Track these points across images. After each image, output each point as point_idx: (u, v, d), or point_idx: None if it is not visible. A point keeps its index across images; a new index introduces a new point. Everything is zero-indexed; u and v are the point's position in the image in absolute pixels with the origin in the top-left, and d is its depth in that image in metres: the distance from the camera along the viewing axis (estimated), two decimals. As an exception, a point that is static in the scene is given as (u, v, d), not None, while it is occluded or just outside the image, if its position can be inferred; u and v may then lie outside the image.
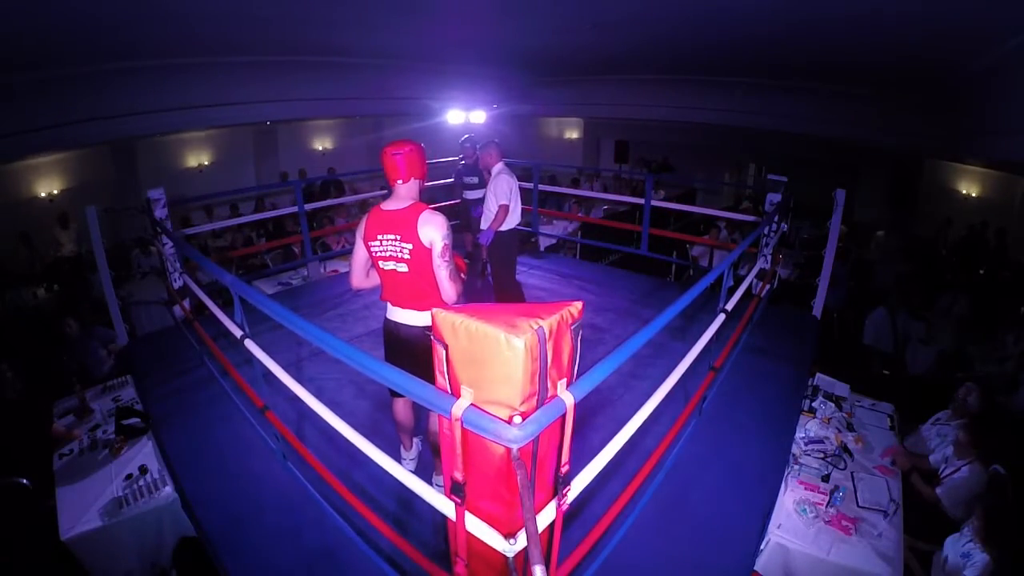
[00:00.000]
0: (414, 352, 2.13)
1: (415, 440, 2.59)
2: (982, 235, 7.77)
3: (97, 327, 4.47)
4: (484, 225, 3.89)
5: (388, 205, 2.09)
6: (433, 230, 1.99)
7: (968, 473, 2.83)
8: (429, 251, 2.00)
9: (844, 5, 3.90)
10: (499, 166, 3.86)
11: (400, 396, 2.37)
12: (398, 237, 2.02)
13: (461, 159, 4.86)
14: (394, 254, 2.05)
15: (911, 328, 5.14)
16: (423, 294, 2.09)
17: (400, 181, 2.08)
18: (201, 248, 6.91)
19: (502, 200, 3.75)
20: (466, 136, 4.81)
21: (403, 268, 2.06)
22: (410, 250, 2.01)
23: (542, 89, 9.86)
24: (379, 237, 2.07)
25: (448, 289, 2.06)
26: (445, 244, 2.01)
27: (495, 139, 3.95)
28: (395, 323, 2.21)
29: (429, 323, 1.80)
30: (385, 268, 2.11)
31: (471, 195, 4.71)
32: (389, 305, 2.21)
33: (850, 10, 3.97)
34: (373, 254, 2.11)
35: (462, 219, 4.90)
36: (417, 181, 2.12)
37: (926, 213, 8.83)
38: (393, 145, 2.08)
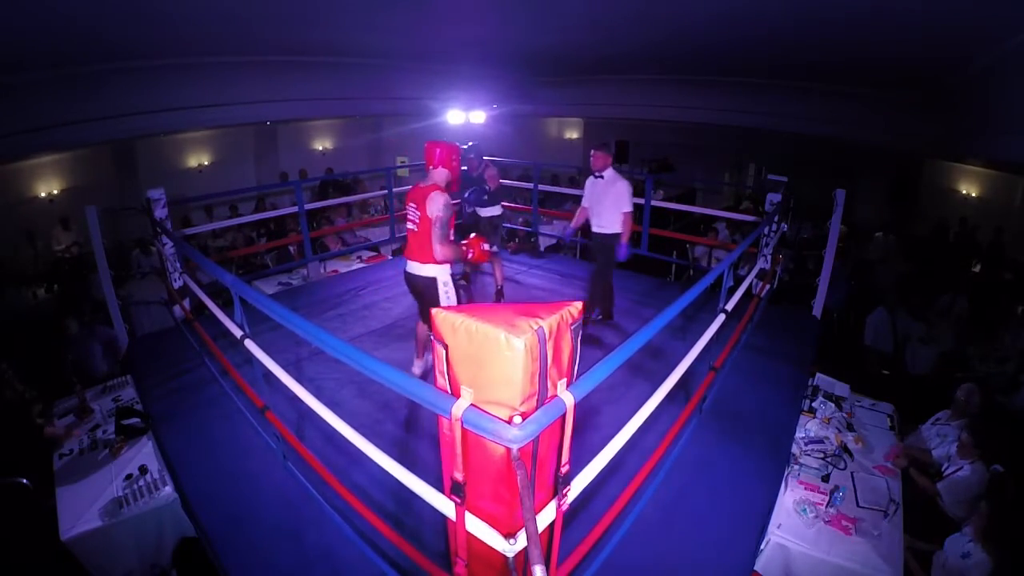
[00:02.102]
0: (419, 291, 2.94)
1: (427, 355, 3.19)
2: (971, 234, 7.77)
3: (98, 326, 4.46)
4: (597, 228, 3.84)
5: (421, 182, 2.82)
6: (434, 205, 2.68)
7: (970, 472, 2.83)
8: (430, 220, 2.68)
9: (844, 6, 3.90)
10: (612, 170, 3.79)
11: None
12: (415, 205, 2.77)
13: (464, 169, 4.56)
14: (411, 217, 2.80)
15: (911, 328, 5.14)
16: (423, 250, 2.80)
17: (431, 167, 2.82)
18: (201, 248, 6.91)
19: (628, 207, 3.69)
20: (470, 144, 4.41)
21: (414, 228, 2.80)
22: (419, 216, 2.74)
23: (542, 89, 9.86)
24: (408, 204, 2.84)
25: (436, 248, 2.73)
26: (438, 216, 2.67)
27: (604, 142, 3.91)
28: (407, 272, 2.94)
29: (427, 272, 2.84)
30: (407, 227, 2.86)
31: (485, 212, 4.46)
32: (406, 259, 2.93)
33: (850, 11, 3.98)
34: (405, 215, 2.89)
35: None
36: (445, 171, 2.82)
37: (926, 213, 8.83)
38: (433, 140, 2.84)
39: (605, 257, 3.92)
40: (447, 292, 2.85)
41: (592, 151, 3.78)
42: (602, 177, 3.78)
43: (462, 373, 1.31)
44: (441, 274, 2.83)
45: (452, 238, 2.80)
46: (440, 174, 2.80)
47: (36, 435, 3.04)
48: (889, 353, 5.21)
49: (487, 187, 4.38)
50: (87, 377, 3.94)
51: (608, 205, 3.75)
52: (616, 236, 3.77)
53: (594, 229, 3.89)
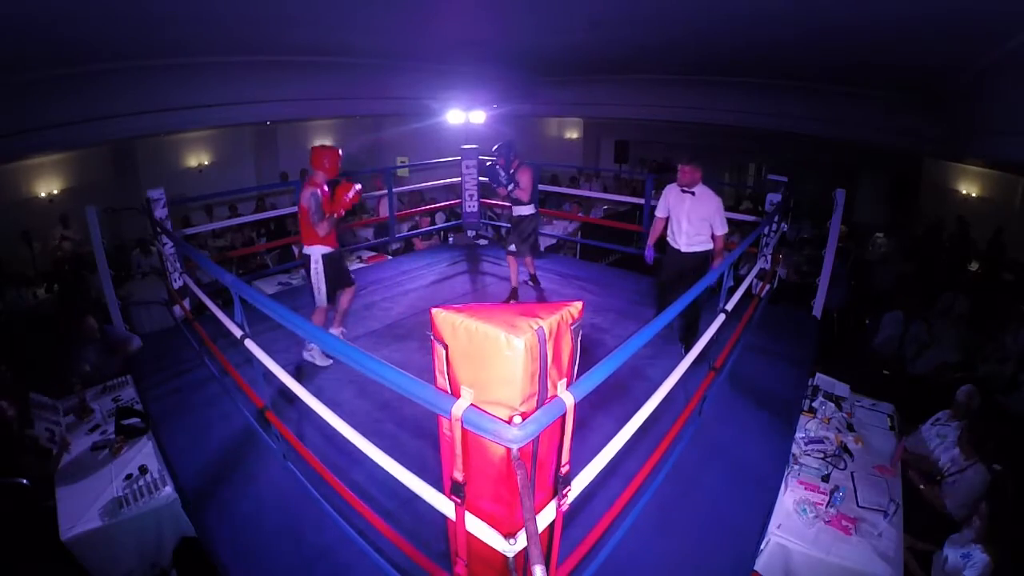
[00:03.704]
0: (306, 268, 3.48)
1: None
2: (965, 233, 7.77)
3: (108, 327, 4.41)
4: (687, 248, 3.55)
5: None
6: (302, 197, 3.27)
7: (973, 474, 2.83)
8: (304, 209, 3.28)
9: (845, 10, 3.90)
10: (703, 185, 3.50)
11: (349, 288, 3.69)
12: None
13: (496, 165, 4.29)
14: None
15: (919, 330, 5.13)
16: (305, 233, 3.39)
17: (313, 168, 3.34)
18: (201, 248, 6.91)
19: (725, 228, 3.47)
20: (500, 143, 4.31)
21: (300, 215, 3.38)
22: (299, 208, 3.33)
23: (542, 89, 9.85)
24: None
25: (316, 229, 3.30)
26: (303, 206, 3.28)
27: (694, 153, 3.60)
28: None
29: (306, 251, 3.40)
30: None
31: (517, 211, 4.42)
32: None
33: (851, 16, 3.98)
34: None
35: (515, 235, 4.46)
36: (320, 172, 3.33)
37: (926, 213, 8.83)
38: (318, 146, 3.39)
39: (695, 278, 3.39)
40: (317, 269, 3.41)
41: (680, 165, 3.49)
42: (692, 192, 3.48)
43: (462, 373, 1.31)
44: (314, 253, 3.39)
45: (327, 218, 3.31)
46: (317, 175, 3.33)
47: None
48: (891, 354, 5.21)
49: (517, 181, 4.22)
50: (88, 377, 3.92)
51: (698, 222, 3.49)
52: (709, 254, 3.54)
53: (683, 248, 3.57)
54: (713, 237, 3.50)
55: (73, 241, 7.32)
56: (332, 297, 3.57)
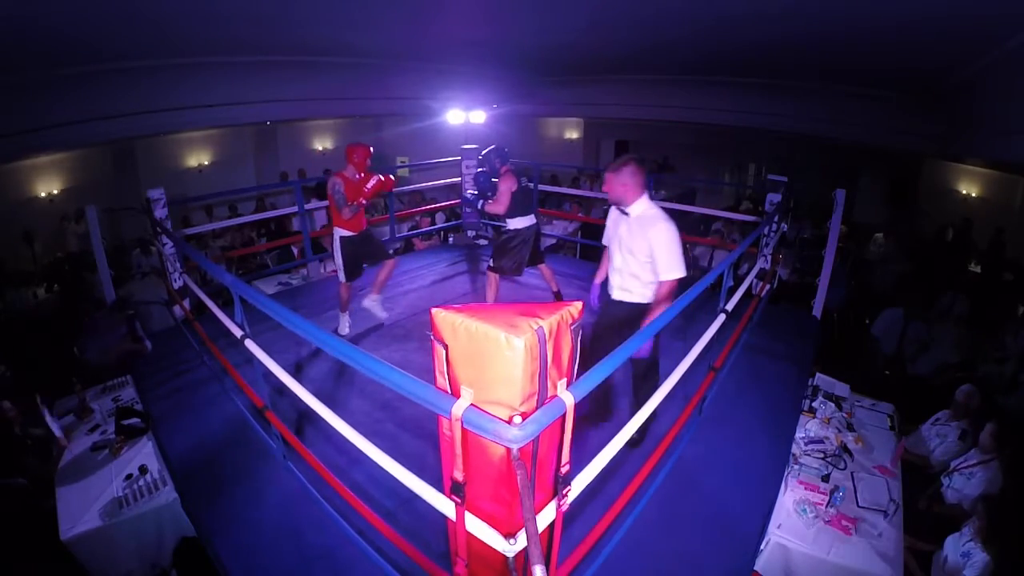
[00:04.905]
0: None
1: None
2: (966, 233, 7.76)
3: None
4: (620, 291, 2.52)
5: None
6: (328, 187, 3.58)
7: (987, 471, 2.82)
8: (330, 197, 3.60)
9: (845, 11, 3.90)
10: (647, 202, 2.38)
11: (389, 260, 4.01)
12: None
13: (481, 170, 4.01)
14: None
15: (918, 331, 5.13)
16: (333, 219, 3.76)
17: (345, 161, 3.71)
18: (201, 248, 6.90)
19: (679, 272, 2.29)
20: (490, 148, 4.00)
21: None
22: (327, 193, 3.64)
23: (542, 89, 9.85)
24: None
25: (341, 213, 3.61)
26: (329, 194, 3.60)
27: (633, 156, 2.39)
28: None
29: (333, 234, 3.78)
30: None
31: (511, 224, 4.04)
32: None
33: (851, 18, 3.98)
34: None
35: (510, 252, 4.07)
36: (351, 165, 3.67)
37: (926, 213, 8.83)
38: (351, 143, 3.73)
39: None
40: (335, 251, 3.80)
41: (606, 172, 2.39)
42: (626, 213, 2.41)
43: (462, 373, 1.31)
44: (334, 235, 3.76)
45: (349, 203, 3.60)
46: (348, 169, 3.67)
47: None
48: (891, 353, 5.20)
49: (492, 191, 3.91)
50: (87, 376, 3.90)
51: (632, 259, 2.39)
52: (646, 309, 2.35)
53: (614, 293, 2.53)
54: (659, 283, 2.35)
55: (79, 236, 7.30)
56: (355, 274, 3.90)
